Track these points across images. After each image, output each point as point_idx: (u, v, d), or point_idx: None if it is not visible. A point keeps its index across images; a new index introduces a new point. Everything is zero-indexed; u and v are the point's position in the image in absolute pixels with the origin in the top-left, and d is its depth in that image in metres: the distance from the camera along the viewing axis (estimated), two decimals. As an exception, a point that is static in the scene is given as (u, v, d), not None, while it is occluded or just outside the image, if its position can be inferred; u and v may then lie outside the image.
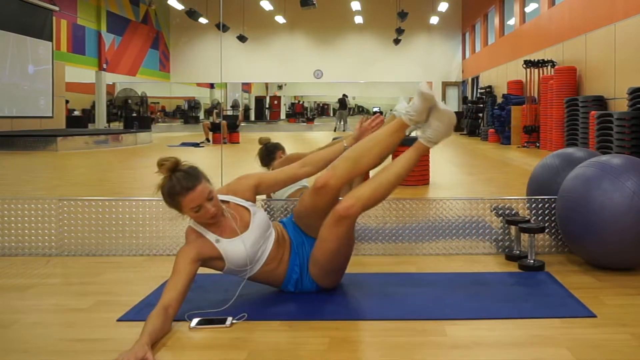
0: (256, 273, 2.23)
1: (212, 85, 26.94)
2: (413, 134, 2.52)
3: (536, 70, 12.20)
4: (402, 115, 2.31)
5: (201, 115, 27.10)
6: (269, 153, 3.62)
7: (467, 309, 2.17)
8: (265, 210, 3.11)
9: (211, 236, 2.14)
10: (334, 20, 23.15)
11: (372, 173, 2.46)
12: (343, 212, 2.15)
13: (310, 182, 3.38)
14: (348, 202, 2.16)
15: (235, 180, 2.34)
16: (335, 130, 20.89)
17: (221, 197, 2.22)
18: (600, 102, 9.36)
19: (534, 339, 1.91)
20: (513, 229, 2.99)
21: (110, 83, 22.01)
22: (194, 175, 2.06)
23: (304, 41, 24.10)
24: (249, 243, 2.17)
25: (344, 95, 22.18)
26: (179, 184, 2.03)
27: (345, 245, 2.25)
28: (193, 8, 19.23)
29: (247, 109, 28.64)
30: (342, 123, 21.97)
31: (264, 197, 3.41)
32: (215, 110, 15.79)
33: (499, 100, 14.87)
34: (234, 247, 2.15)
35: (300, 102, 35.38)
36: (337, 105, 22.74)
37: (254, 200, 2.31)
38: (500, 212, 3.09)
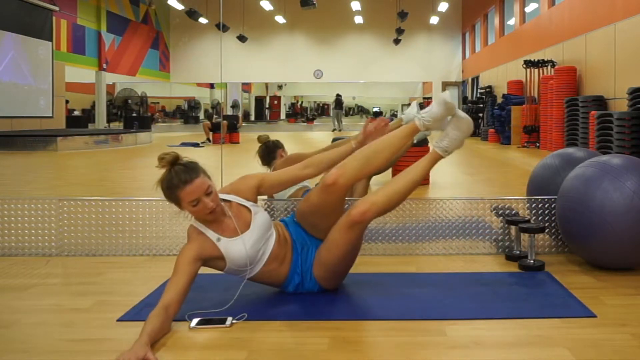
0: (257, 273, 2.23)
1: (212, 85, 26.94)
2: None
3: (536, 70, 12.21)
4: (415, 120, 2.31)
5: (201, 115, 27.10)
6: (270, 152, 3.61)
7: (467, 309, 2.17)
8: (267, 210, 3.10)
9: (212, 235, 2.14)
10: (334, 20, 23.15)
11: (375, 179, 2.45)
12: (358, 217, 2.16)
13: (312, 182, 3.38)
14: (363, 207, 2.17)
15: (237, 180, 2.34)
16: (333, 131, 20.88)
17: (223, 196, 2.22)
18: (600, 102, 9.36)
19: (534, 339, 1.91)
20: (513, 229, 2.99)
21: (110, 83, 22.00)
22: (192, 169, 2.08)
23: (304, 41, 24.10)
24: (250, 243, 2.17)
25: (338, 95, 22.15)
26: (177, 176, 2.05)
27: (354, 249, 2.27)
28: (193, 8, 19.23)
29: (247, 115, 28.59)
30: (338, 123, 21.96)
31: (265, 197, 3.41)
32: (215, 117, 15.76)
33: (499, 100, 14.87)
34: (234, 247, 2.14)
35: (299, 103, 35.36)
36: (334, 105, 22.74)
37: (255, 201, 2.31)
38: (500, 212, 3.09)
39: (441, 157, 2.34)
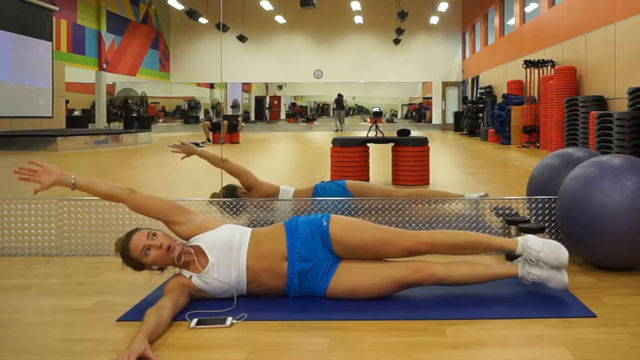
0: (249, 290, 2.24)
1: (212, 85, 26.94)
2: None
3: (536, 70, 12.20)
4: (519, 268, 2.27)
5: (201, 115, 27.10)
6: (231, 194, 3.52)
7: (467, 309, 2.17)
8: (268, 210, 3.11)
9: (186, 273, 2.21)
10: (334, 20, 23.15)
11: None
12: (415, 282, 2.21)
13: (311, 182, 3.37)
14: (428, 279, 2.20)
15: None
16: (336, 131, 20.87)
17: (190, 242, 2.26)
18: (600, 102, 9.35)
19: (534, 339, 1.91)
20: (513, 229, 2.99)
21: (110, 83, 22.00)
22: (130, 232, 2.22)
23: (304, 41, 24.10)
24: (216, 272, 2.19)
25: (339, 94, 22.13)
26: (122, 245, 2.20)
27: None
28: (193, 8, 19.23)
29: (247, 117, 28.54)
30: (339, 123, 21.94)
31: (265, 197, 3.41)
32: (214, 109, 15.78)
33: (499, 100, 14.87)
34: (205, 280, 2.18)
35: (298, 104, 35.30)
36: (335, 105, 22.72)
37: (208, 228, 2.28)
38: (500, 212, 3.09)
39: (516, 275, 2.28)
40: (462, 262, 2.29)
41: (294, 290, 2.24)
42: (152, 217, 2.33)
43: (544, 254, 2.22)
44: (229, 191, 3.47)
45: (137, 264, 2.19)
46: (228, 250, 2.20)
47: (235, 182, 3.52)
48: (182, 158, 3.51)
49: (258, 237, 2.26)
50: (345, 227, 2.25)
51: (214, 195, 3.38)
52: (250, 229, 2.33)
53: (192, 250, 2.22)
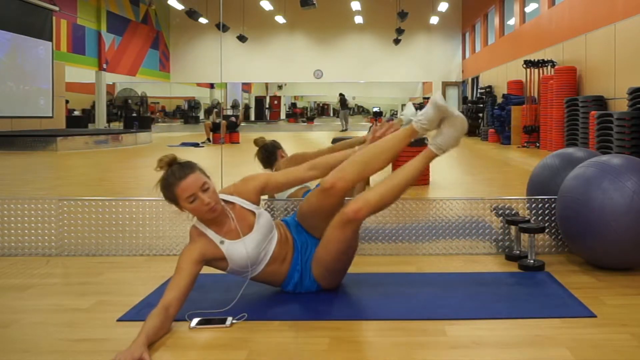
0: (259, 273, 2.24)
1: (212, 85, 26.94)
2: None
3: (536, 70, 12.20)
4: (412, 123, 2.32)
5: (201, 115, 27.10)
6: (270, 154, 3.57)
7: (467, 309, 2.17)
8: (267, 210, 3.10)
9: (215, 237, 2.15)
10: (334, 20, 23.15)
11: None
12: (351, 215, 2.16)
13: (313, 182, 3.38)
14: (356, 205, 2.17)
15: (241, 181, 2.33)
16: (342, 131, 20.83)
17: (225, 197, 2.23)
18: (600, 102, 9.35)
19: (534, 339, 1.91)
20: (513, 229, 2.99)
21: (110, 83, 22.01)
22: (187, 166, 2.11)
23: (304, 41, 24.10)
24: (252, 246, 2.17)
25: (341, 94, 22.10)
26: (173, 175, 2.08)
27: (350, 247, 2.27)
28: (193, 8, 19.23)
29: (247, 108, 28.56)
30: (345, 122, 21.90)
31: (265, 197, 3.41)
32: (215, 110, 15.78)
33: (499, 100, 14.86)
34: (236, 249, 2.15)
35: (297, 105, 35.25)
36: (338, 105, 22.69)
37: (258, 202, 2.31)
38: (500, 212, 3.09)
39: (436, 155, 2.33)
40: (387, 178, 2.30)
41: (295, 278, 2.28)
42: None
43: (425, 110, 2.32)
44: (268, 151, 3.51)
45: (174, 201, 2.11)
46: (269, 230, 2.24)
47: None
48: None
49: (278, 225, 2.34)
50: (303, 203, 2.39)
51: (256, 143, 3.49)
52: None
53: (233, 215, 2.18)
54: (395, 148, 2.31)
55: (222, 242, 2.14)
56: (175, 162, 2.11)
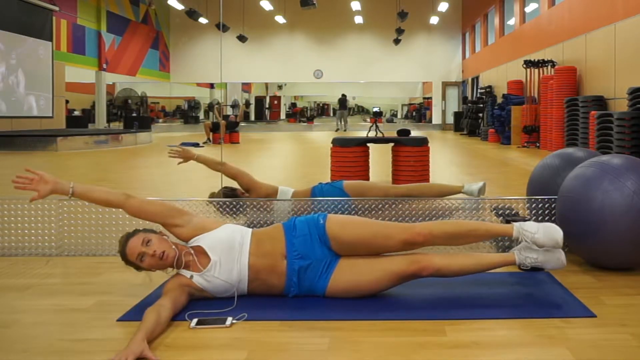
0: (249, 289, 2.24)
1: (212, 85, 26.94)
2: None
3: (536, 70, 12.20)
4: (515, 254, 2.30)
5: (201, 115, 27.09)
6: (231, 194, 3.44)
7: (467, 309, 2.17)
8: (267, 210, 3.10)
9: (186, 273, 2.21)
10: (334, 20, 23.16)
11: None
12: (416, 271, 2.20)
13: (313, 183, 3.36)
14: (425, 264, 2.20)
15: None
16: (337, 131, 20.88)
17: (189, 243, 2.27)
18: (600, 102, 9.35)
19: (534, 339, 1.91)
20: (513, 229, 2.99)
21: (110, 83, 22.01)
22: (131, 234, 2.24)
23: (304, 41, 24.10)
24: (217, 271, 2.19)
25: (343, 95, 22.16)
26: (121, 245, 2.23)
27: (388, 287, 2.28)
28: (193, 8, 19.22)
29: (248, 104, 28.49)
30: (342, 123, 21.95)
31: (265, 197, 3.41)
32: (216, 106, 15.77)
33: (499, 100, 14.87)
34: (205, 279, 2.19)
35: (296, 106, 35.22)
36: (338, 105, 22.73)
37: (193, 234, 2.27)
38: (500, 212, 3.09)
39: (514, 264, 2.31)
40: (461, 252, 2.31)
41: (293, 289, 2.24)
42: (150, 221, 2.33)
43: (539, 235, 2.26)
44: (229, 192, 3.46)
45: (135, 266, 2.23)
46: (230, 249, 2.21)
47: (235, 184, 3.50)
48: (179, 163, 3.50)
49: (259, 236, 2.27)
50: (342, 223, 2.27)
51: (212, 195, 3.36)
52: (250, 229, 2.33)
53: (191, 251, 2.22)
54: (483, 264, 2.27)
55: (192, 277, 2.19)
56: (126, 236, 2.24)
